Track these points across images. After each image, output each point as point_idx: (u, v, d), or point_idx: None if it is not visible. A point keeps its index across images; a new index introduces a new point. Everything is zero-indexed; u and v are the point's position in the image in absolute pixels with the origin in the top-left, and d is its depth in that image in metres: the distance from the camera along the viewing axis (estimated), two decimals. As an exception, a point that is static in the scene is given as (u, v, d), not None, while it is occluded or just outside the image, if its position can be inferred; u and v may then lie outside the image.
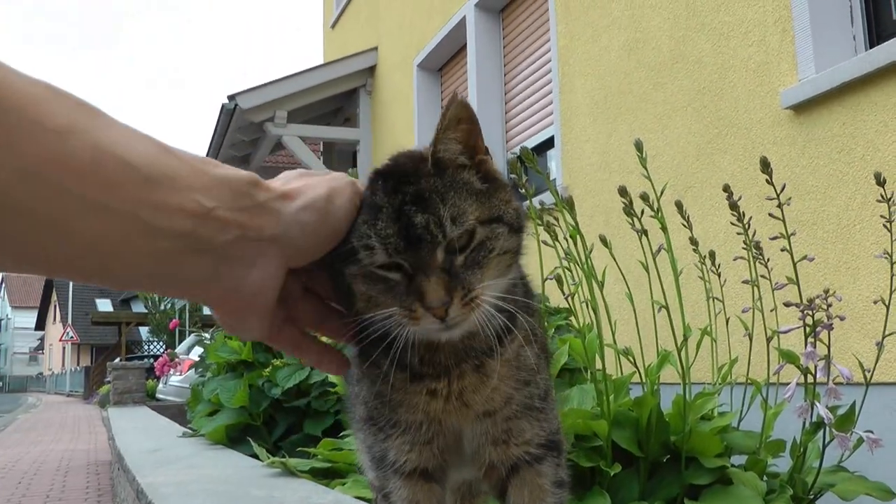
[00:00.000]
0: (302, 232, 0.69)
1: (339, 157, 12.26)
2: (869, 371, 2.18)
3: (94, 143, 0.53)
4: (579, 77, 6.06)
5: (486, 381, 0.93)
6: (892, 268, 2.18)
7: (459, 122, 0.86)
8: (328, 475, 2.58)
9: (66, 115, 0.53)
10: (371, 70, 10.81)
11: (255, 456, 3.09)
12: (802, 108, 3.95)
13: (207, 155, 11.85)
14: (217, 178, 0.62)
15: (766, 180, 2.05)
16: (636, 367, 2.32)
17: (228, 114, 10.25)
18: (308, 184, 0.72)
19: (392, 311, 0.82)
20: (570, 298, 2.24)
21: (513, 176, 2.21)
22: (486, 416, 0.96)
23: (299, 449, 2.94)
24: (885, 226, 2.20)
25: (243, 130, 10.79)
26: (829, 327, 1.95)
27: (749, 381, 2.36)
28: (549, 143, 6.83)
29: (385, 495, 1.00)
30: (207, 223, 0.60)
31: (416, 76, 9.30)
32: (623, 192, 2.16)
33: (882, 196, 2.21)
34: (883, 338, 2.20)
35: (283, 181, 0.73)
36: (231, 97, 9.97)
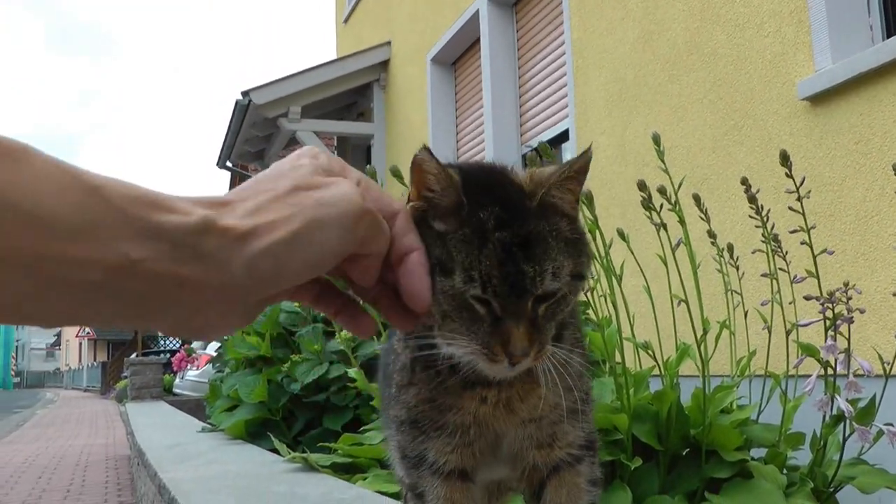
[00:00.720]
0: (253, 279, 0.60)
1: (354, 151, 12.28)
2: (888, 363, 2.18)
3: None
4: (594, 70, 6.05)
5: (535, 389, 0.95)
6: (911, 260, 2.18)
7: (582, 173, 0.86)
8: (349, 470, 2.59)
9: None
10: (384, 64, 10.81)
11: (275, 451, 3.10)
12: (819, 99, 3.93)
13: (221, 151, 11.91)
14: (154, 226, 0.54)
15: (786, 174, 2.05)
16: (655, 360, 2.33)
17: (242, 109, 10.29)
18: (281, 217, 0.62)
19: (471, 347, 0.82)
20: (588, 293, 2.24)
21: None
22: (531, 422, 0.98)
23: (319, 444, 2.95)
24: (904, 218, 2.19)
25: (257, 126, 10.82)
26: (850, 320, 1.94)
27: (768, 373, 2.36)
28: (563, 137, 6.82)
29: (419, 494, 1.01)
30: (133, 276, 0.53)
31: (430, 70, 9.30)
32: (642, 186, 2.16)
33: (901, 187, 2.20)
34: (903, 330, 2.20)
35: (252, 207, 0.62)
36: (245, 93, 10.00)
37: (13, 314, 0.51)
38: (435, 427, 0.97)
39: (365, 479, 2.37)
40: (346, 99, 11.41)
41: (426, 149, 0.82)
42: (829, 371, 2.04)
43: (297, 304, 3.12)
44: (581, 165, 0.85)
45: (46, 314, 0.53)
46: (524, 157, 2.29)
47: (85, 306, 0.53)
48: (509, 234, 0.81)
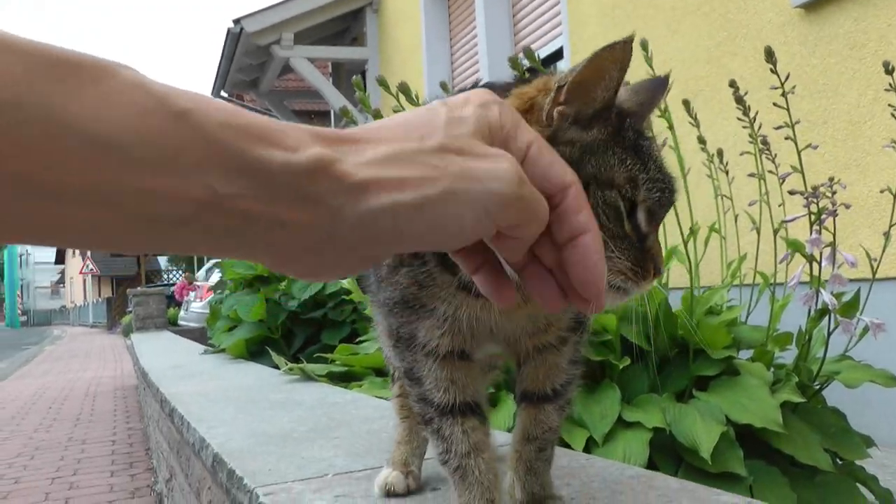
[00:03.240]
0: (361, 236, 0.52)
1: (348, 76, 12.17)
2: (876, 260, 2.20)
3: (48, 116, 0.41)
4: (587, -16, 5.96)
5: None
6: (898, 157, 2.18)
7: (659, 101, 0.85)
8: (345, 378, 2.64)
9: (13, 81, 0.40)
10: (376, -12, 10.64)
11: (276, 367, 3.16)
12: (813, 5, 3.88)
13: (215, 81, 11.79)
14: (250, 161, 0.47)
15: (770, 69, 2.04)
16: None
17: (234, 38, 10.16)
18: (416, 176, 0.53)
19: (621, 266, 0.75)
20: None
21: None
22: (527, 321, 0.95)
23: (317, 355, 3.01)
24: (892, 115, 2.18)
25: (250, 54, 10.70)
26: (834, 214, 1.96)
27: (757, 273, 2.38)
28: (558, 55, 6.74)
29: (416, 378, 0.97)
30: (222, 212, 0.47)
31: (423, -7, 9.15)
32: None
33: (891, 85, 2.19)
34: (890, 227, 2.21)
35: (386, 154, 0.53)
36: (236, 21, 9.88)
37: (100, 243, 0.47)
38: (423, 308, 0.92)
39: (360, 386, 2.42)
40: (339, 24, 11.25)
41: (630, 41, 0.71)
42: (815, 267, 2.06)
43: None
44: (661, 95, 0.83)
45: (135, 245, 0.48)
46: (514, 68, 2.26)
47: (175, 239, 0.48)
48: (655, 150, 0.78)
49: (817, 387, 2.19)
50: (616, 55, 0.69)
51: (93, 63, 0.44)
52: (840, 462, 2.06)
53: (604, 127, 0.75)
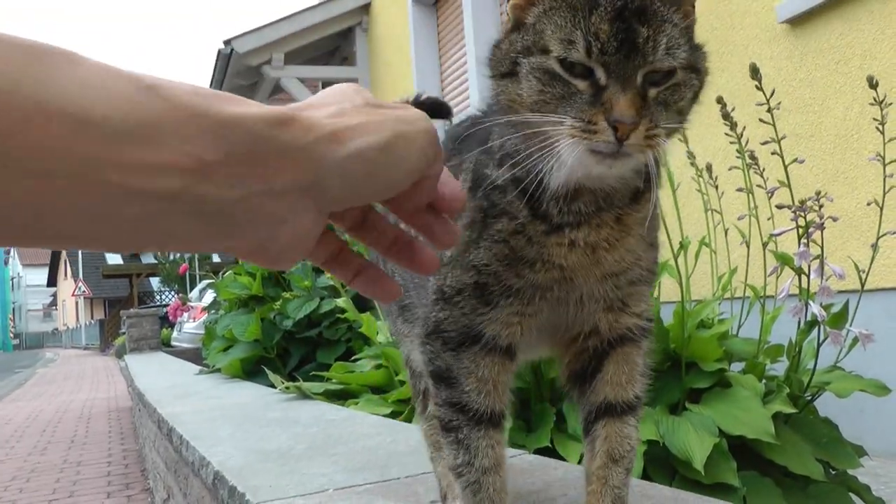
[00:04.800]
0: (342, 184, 0.54)
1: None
2: (864, 272, 2.23)
3: (28, 95, 0.41)
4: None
5: (625, 237, 0.89)
6: (884, 169, 2.22)
7: None
8: (342, 396, 2.66)
9: None
10: (366, 8, 10.70)
11: (272, 387, 3.18)
12: (798, 21, 3.93)
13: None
14: (223, 120, 0.48)
15: (756, 86, 2.08)
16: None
17: (225, 58, 10.20)
18: (369, 122, 0.56)
19: (563, 119, 0.76)
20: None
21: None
22: (611, 277, 0.91)
23: (313, 373, 3.02)
24: (877, 128, 2.22)
25: (241, 75, 10.74)
26: (821, 227, 1.99)
27: (747, 286, 2.41)
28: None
29: (447, 379, 0.92)
30: (207, 179, 0.47)
31: (411, 11, 9.21)
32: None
33: (875, 99, 2.23)
34: (877, 238, 2.24)
35: (336, 111, 0.56)
36: (227, 42, 9.92)
37: (86, 234, 0.46)
38: (506, 291, 0.89)
39: (357, 403, 2.43)
40: (329, 44, 11.31)
41: None
42: (804, 280, 2.08)
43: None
44: None
45: (123, 235, 0.47)
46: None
47: (166, 224, 0.47)
48: (620, 2, 0.77)
49: (809, 397, 2.21)
50: None
51: (62, 49, 0.45)
52: (833, 472, 2.08)
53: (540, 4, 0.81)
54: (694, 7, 0.84)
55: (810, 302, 2.04)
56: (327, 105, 0.57)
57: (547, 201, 0.85)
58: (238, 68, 10.36)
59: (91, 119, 0.43)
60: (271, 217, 0.51)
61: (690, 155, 2.47)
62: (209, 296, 8.79)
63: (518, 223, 0.87)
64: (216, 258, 15.47)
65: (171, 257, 25.18)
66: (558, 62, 0.76)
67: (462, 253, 0.90)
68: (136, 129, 0.44)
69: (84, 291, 38.36)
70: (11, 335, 60.92)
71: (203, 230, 0.49)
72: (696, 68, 0.82)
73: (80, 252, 46.75)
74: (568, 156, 0.76)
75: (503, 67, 0.83)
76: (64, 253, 56.62)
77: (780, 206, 2.06)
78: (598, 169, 0.78)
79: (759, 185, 2.38)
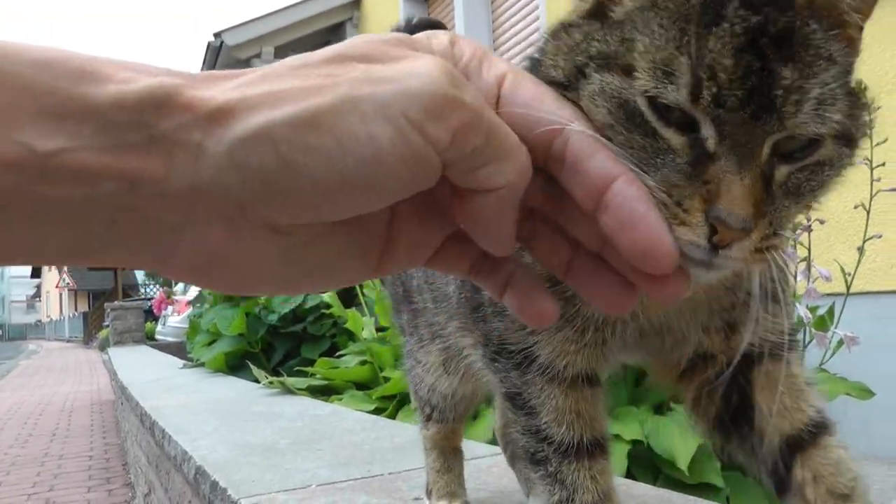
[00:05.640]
0: (246, 179, 0.38)
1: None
2: (850, 275, 2.23)
3: None
4: None
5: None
6: (871, 173, 2.22)
7: None
8: (325, 392, 2.65)
9: None
10: (357, 3, 10.68)
11: (256, 381, 3.16)
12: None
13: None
14: (74, 101, 0.36)
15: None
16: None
17: (215, 52, 10.16)
18: (304, 86, 0.39)
19: (641, 175, 0.46)
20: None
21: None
22: (719, 312, 0.72)
23: (297, 369, 3.01)
24: (865, 132, 2.23)
25: (231, 68, 10.58)
26: (809, 229, 1.99)
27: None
28: (537, 71, 6.79)
29: (524, 406, 0.75)
30: (49, 179, 0.35)
31: (402, 7, 9.19)
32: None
33: (862, 103, 2.23)
34: (863, 242, 2.25)
35: (256, 76, 0.40)
36: (217, 34, 9.88)
37: None
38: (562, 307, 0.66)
39: (341, 399, 2.42)
40: (319, 39, 11.27)
41: None
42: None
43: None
44: None
45: None
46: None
47: (16, 235, 0.36)
48: (758, 21, 0.47)
49: (793, 399, 2.21)
50: None
51: None
52: (816, 473, 2.08)
53: None
54: (862, 29, 0.54)
55: (797, 304, 2.04)
56: (255, 72, 0.41)
57: None
58: (228, 61, 10.31)
59: None
60: (158, 225, 0.39)
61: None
62: (194, 289, 8.76)
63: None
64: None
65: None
66: (647, 100, 0.48)
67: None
68: None
69: (68, 283, 38.22)
70: (-6, 326, 60.60)
71: (61, 238, 0.38)
72: (852, 139, 0.54)
73: (64, 244, 46.48)
74: None
75: (559, 72, 0.52)
76: (48, 244, 56.18)
77: (768, 208, 2.06)
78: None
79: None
